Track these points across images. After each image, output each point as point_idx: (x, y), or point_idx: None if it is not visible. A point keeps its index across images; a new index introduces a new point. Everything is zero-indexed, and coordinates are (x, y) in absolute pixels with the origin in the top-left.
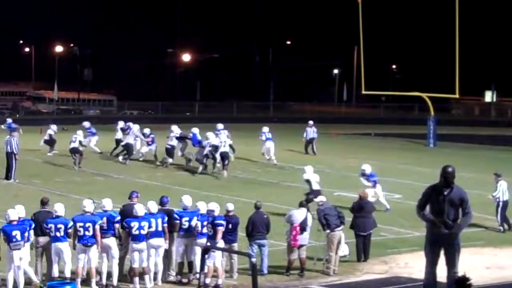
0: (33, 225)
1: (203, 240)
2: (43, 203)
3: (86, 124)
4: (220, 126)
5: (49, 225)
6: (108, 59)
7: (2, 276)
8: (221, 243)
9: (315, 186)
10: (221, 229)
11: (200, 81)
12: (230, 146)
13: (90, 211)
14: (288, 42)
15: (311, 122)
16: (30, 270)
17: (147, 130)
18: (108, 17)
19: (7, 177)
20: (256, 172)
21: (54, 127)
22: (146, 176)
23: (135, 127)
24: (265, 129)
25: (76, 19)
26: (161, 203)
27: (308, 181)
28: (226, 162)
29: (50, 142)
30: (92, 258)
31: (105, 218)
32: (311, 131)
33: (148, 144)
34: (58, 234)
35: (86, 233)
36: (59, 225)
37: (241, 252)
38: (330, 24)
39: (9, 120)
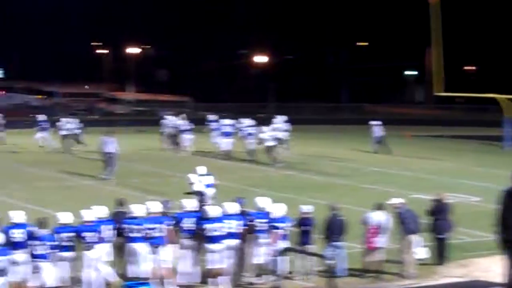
0: (112, 226)
1: (279, 242)
2: (120, 203)
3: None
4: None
5: (125, 226)
6: (184, 60)
7: (79, 276)
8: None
9: (197, 187)
10: (278, 232)
11: (273, 82)
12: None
13: (157, 211)
14: (362, 44)
15: (376, 122)
16: (106, 269)
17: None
18: (184, 18)
19: (110, 174)
20: (332, 173)
21: (72, 122)
22: (221, 178)
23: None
24: None
25: (152, 21)
26: (237, 204)
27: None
28: None
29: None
30: (163, 259)
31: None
32: (378, 130)
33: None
34: (134, 234)
35: (156, 234)
36: (135, 226)
37: (317, 254)
38: (404, 25)
39: (40, 118)
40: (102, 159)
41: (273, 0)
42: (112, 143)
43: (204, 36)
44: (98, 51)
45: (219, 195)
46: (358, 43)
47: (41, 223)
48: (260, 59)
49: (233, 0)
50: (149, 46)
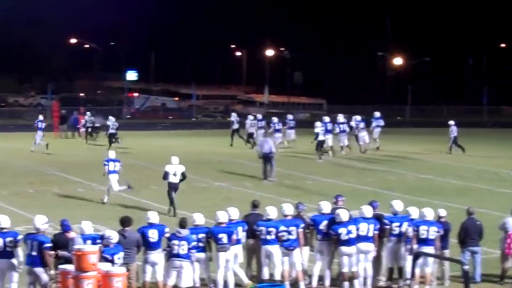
0: (246, 227)
1: (414, 246)
2: (254, 205)
3: None
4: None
5: (260, 228)
6: (318, 62)
7: (213, 277)
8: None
9: (172, 179)
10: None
11: (411, 84)
12: None
13: (291, 214)
14: (503, 45)
15: (452, 121)
16: (240, 271)
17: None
18: (318, 20)
19: (265, 177)
20: (470, 178)
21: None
22: (355, 180)
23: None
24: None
25: (287, 23)
26: (372, 207)
27: (166, 173)
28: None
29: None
30: (296, 262)
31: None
32: (455, 129)
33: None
34: (268, 237)
35: (290, 237)
36: (270, 229)
37: (453, 259)
38: None
39: (40, 117)
40: (261, 159)
41: (411, 2)
42: (268, 143)
43: (340, 38)
44: (234, 53)
45: (354, 197)
46: (499, 44)
47: (182, 223)
48: (397, 61)
49: (373, 3)
50: (283, 49)
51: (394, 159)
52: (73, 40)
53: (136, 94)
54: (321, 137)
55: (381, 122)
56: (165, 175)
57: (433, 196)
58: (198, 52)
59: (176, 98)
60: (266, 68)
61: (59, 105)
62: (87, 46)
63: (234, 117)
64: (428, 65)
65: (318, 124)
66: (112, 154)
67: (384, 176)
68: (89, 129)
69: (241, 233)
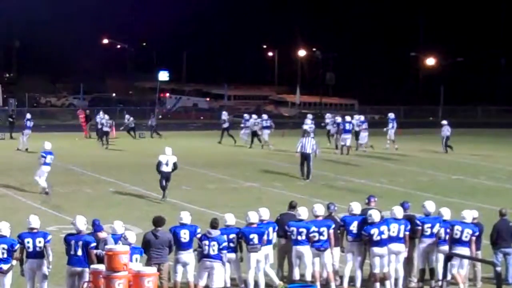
0: (276, 228)
1: (445, 247)
2: (292, 206)
3: None
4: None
5: (291, 228)
6: (350, 63)
7: (244, 278)
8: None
9: (164, 168)
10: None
11: (443, 85)
12: None
13: (322, 215)
14: None
15: (445, 121)
16: (271, 272)
17: None
18: (350, 20)
19: (307, 176)
20: (502, 178)
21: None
22: (386, 181)
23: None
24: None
25: (319, 23)
26: (403, 208)
27: (160, 162)
28: None
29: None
30: (327, 263)
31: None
32: (447, 129)
33: None
34: (299, 237)
35: (321, 237)
36: (301, 229)
37: (485, 261)
38: None
39: (28, 116)
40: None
41: (443, 2)
42: (309, 143)
43: (372, 39)
44: (266, 53)
45: (386, 198)
46: None
47: (214, 224)
48: (430, 61)
49: (406, 3)
50: (315, 49)
51: (426, 160)
52: (106, 41)
53: (168, 95)
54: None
55: (395, 124)
56: (158, 165)
57: (465, 197)
58: (230, 52)
59: (208, 99)
60: (298, 68)
61: (84, 110)
62: (119, 46)
63: (224, 115)
64: (460, 66)
65: (307, 121)
66: (48, 145)
67: (415, 176)
68: (101, 130)
69: (272, 233)
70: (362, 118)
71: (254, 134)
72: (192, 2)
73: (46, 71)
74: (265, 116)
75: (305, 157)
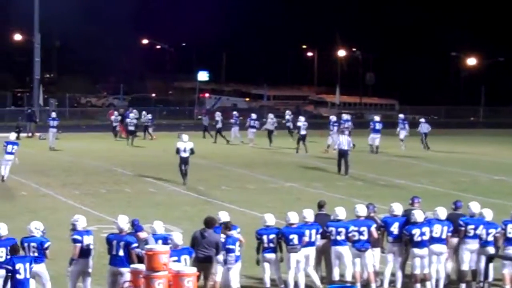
0: (320, 230)
1: (488, 248)
2: (320, 205)
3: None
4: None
5: (330, 228)
6: (391, 63)
7: (284, 278)
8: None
9: (182, 154)
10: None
11: (485, 85)
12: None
13: (364, 215)
14: None
15: (423, 119)
16: (313, 273)
17: None
18: (390, 19)
19: (346, 172)
20: None
21: (132, 115)
22: (427, 181)
23: None
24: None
25: (360, 23)
26: (455, 207)
27: (178, 149)
28: None
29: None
30: (368, 263)
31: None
32: (425, 126)
33: None
34: (338, 237)
35: (361, 237)
36: (340, 229)
37: None
38: None
39: (53, 115)
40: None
41: (485, 1)
42: (347, 140)
43: (413, 38)
44: (306, 54)
45: (426, 199)
46: None
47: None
48: (471, 61)
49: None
50: (355, 49)
51: (466, 160)
52: (145, 41)
53: (207, 95)
54: (302, 132)
55: (406, 125)
56: (177, 151)
57: (507, 198)
58: (270, 52)
59: (247, 99)
60: (338, 68)
61: (114, 111)
62: (159, 46)
63: (218, 116)
64: (502, 66)
65: (301, 118)
66: (12, 136)
67: (456, 177)
68: (131, 129)
69: (314, 235)
70: (346, 117)
71: (270, 132)
72: (232, 2)
73: (86, 71)
74: (253, 116)
75: (342, 154)
